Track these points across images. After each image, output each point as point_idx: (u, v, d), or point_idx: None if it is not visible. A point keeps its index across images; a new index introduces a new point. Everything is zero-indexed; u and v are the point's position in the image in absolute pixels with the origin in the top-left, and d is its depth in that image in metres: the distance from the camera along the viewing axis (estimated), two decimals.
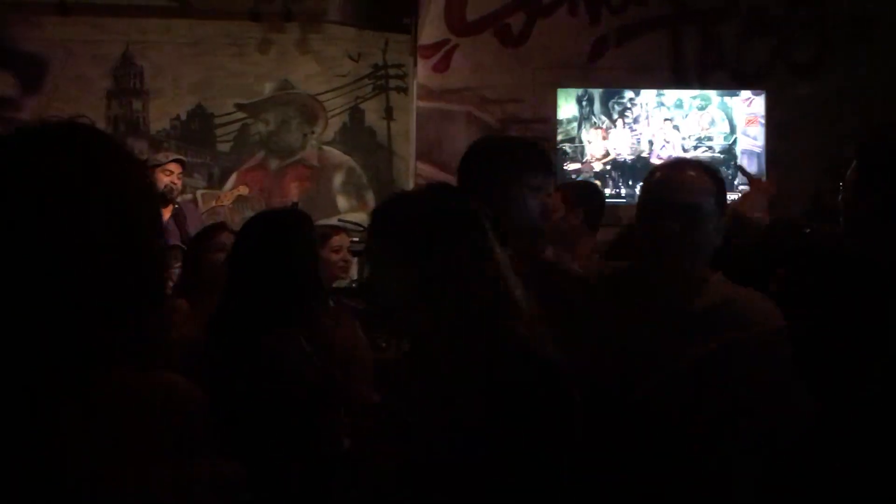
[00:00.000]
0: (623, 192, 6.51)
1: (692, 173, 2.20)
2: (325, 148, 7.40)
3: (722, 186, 2.20)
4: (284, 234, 2.73)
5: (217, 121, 7.36)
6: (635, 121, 6.59)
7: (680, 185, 2.17)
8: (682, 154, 6.52)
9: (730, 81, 6.67)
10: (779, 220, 4.03)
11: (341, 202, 7.32)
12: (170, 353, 1.17)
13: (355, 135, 7.39)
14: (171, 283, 3.76)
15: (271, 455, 2.15)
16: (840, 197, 2.11)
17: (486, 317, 1.72)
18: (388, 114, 7.37)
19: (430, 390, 1.75)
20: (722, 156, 6.59)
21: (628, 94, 6.56)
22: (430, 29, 6.50)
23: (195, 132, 7.35)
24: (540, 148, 2.51)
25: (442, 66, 6.50)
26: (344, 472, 1.78)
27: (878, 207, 1.91)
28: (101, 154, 1.18)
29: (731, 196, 6.10)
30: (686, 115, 6.60)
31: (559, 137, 6.44)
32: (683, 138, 6.63)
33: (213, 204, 6.93)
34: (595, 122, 6.57)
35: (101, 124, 7.09)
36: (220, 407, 1.21)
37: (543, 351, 1.72)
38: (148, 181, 1.23)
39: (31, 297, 1.08)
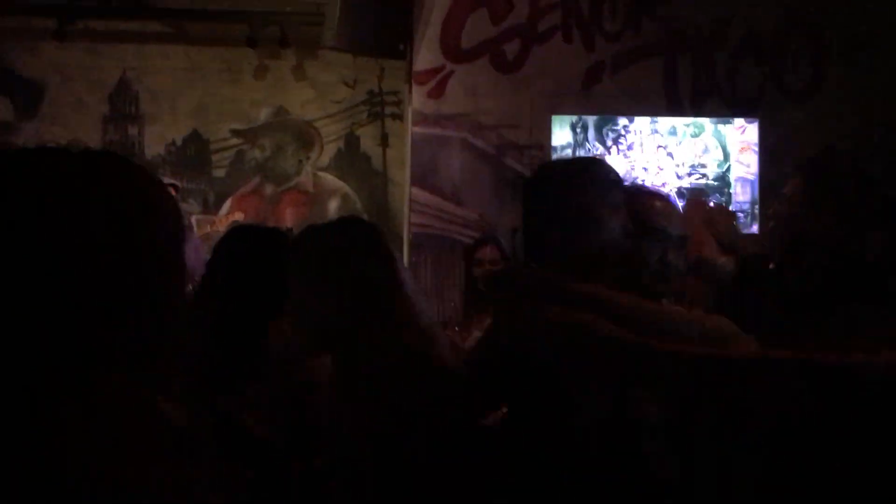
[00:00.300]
0: None
1: (674, 203, 2.29)
2: (321, 174, 7.42)
3: None
4: (276, 247, 2.80)
5: (213, 146, 7.38)
6: (629, 148, 6.62)
7: (679, 216, 2.24)
8: (677, 182, 6.55)
9: (723, 109, 6.71)
10: (747, 258, 4.04)
11: None
12: (173, 355, 1.16)
13: (351, 161, 7.42)
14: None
15: (271, 455, 2.17)
16: (779, 212, 2.17)
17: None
18: (384, 140, 7.40)
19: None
20: (716, 183, 6.63)
21: (622, 121, 6.60)
22: (426, 55, 6.53)
23: (191, 157, 7.37)
24: (609, 164, 2.48)
25: (437, 92, 6.53)
26: (344, 472, 1.81)
27: (877, 208, 1.95)
28: (101, 157, 1.19)
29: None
30: (680, 143, 6.64)
31: None
32: (677, 165, 6.66)
33: (208, 229, 6.93)
34: (589, 149, 6.60)
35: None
36: (221, 407, 1.21)
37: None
38: (153, 185, 1.23)
39: (31, 297, 1.08)
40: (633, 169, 6.61)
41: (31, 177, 1.12)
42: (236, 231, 3.09)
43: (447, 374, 1.92)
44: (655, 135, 6.63)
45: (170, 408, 1.10)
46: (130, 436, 1.07)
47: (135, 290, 1.13)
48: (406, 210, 6.68)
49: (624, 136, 6.63)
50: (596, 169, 2.34)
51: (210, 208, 7.27)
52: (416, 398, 1.84)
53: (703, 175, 6.63)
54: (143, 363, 1.12)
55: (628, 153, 6.63)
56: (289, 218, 7.27)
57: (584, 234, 2.16)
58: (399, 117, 7.31)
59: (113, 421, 1.07)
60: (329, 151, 7.41)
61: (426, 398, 1.85)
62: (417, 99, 6.53)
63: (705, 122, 6.64)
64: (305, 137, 7.39)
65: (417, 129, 6.52)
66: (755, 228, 6.41)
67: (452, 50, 6.56)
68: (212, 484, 1.08)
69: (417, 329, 1.96)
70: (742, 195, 6.62)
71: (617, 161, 6.60)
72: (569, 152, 6.54)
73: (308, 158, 7.39)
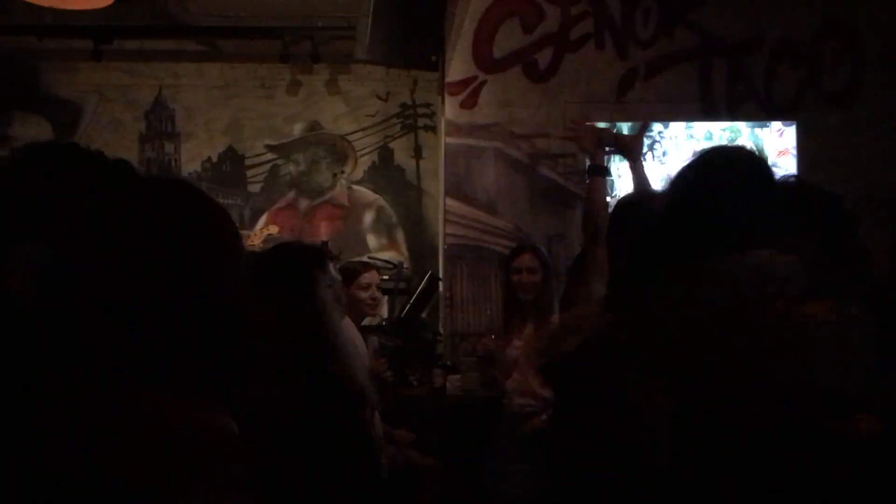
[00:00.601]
0: None
1: None
2: (355, 187, 7.44)
3: None
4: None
5: (248, 162, 7.44)
6: (665, 154, 6.55)
7: None
8: None
9: (759, 113, 6.63)
10: None
11: (371, 241, 7.34)
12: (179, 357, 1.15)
13: (385, 173, 7.44)
14: None
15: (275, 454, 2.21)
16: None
17: None
18: (417, 152, 7.41)
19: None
20: None
21: (657, 127, 6.53)
22: (458, 65, 6.53)
23: (226, 173, 7.43)
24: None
25: (470, 103, 6.52)
26: (346, 472, 1.81)
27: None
28: (106, 163, 1.19)
29: None
30: None
31: None
32: None
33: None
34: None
35: (135, 167, 7.18)
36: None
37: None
38: (185, 203, 1.22)
39: (56, 310, 1.08)
40: (669, 175, 6.52)
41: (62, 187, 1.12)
42: (279, 248, 3.13)
43: (361, 399, 2.18)
44: (691, 140, 6.56)
45: (171, 408, 1.09)
46: (130, 436, 1.06)
47: (138, 293, 1.12)
48: (441, 221, 6.67)
49: (659, 142, 6.56)
50: (754, 155, 2.30)
51: (246, 224, 7.32)
52: (330, 420, 2.07)
53: None
54: (144, 363, 1.11)
55: (664, 159, 6.56)
56: (324, 231, 7.30)
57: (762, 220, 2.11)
58: (432, 129, 7.32)
59: (113, 421, 1.06)
60: (363, 164, 7.44)
61: (339, 419, 2.09)
62: (450, 110, 6.52)
63: (742, 126, 6.56)
64: (339, 151, 7.42)
65: (451, 140, 6.51)
66: None
67: (485, 60, 6.55)
68: (212, 484, 1.07)
69: (342, 357, 2.19)
70: None
71: (653, 167, 6.53)
72: (604, 159, 6.45)
73: (342, 172, 7.42)
